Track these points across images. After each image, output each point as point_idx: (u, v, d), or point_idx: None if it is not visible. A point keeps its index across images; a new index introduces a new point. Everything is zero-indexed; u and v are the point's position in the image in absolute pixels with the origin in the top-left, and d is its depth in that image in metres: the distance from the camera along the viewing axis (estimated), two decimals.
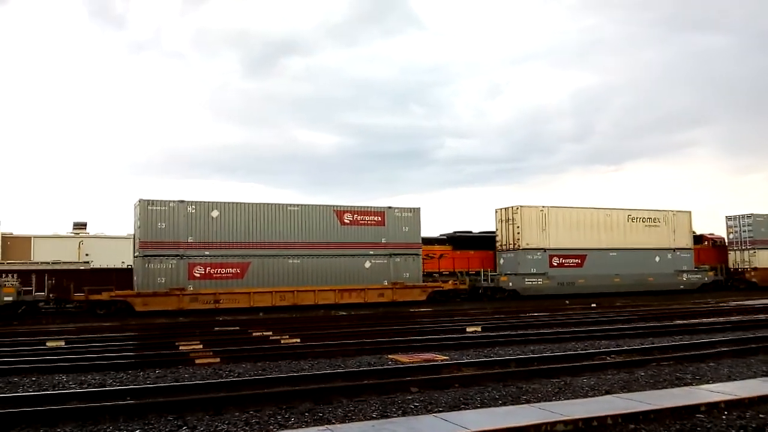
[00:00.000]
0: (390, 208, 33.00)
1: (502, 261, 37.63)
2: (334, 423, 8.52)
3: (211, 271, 29.18)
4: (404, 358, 13.90)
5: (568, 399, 9.85)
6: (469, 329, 19.67)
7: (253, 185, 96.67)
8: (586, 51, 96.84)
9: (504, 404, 9.62)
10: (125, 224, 75.23)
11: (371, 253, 32.27)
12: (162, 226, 28.33)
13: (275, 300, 29.72)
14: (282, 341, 17.33)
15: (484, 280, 35.59)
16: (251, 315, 27.52)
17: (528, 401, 9.73)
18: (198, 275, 28.90)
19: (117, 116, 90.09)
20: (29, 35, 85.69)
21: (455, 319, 23.82)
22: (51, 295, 27.43)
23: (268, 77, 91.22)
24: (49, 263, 36.99)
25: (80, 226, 50.05)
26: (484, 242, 39.73)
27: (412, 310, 28.97)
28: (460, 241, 40.24)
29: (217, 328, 21.78)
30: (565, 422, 7.95)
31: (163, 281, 28.22)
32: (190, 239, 28.81)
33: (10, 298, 24.98)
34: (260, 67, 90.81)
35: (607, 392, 10.28)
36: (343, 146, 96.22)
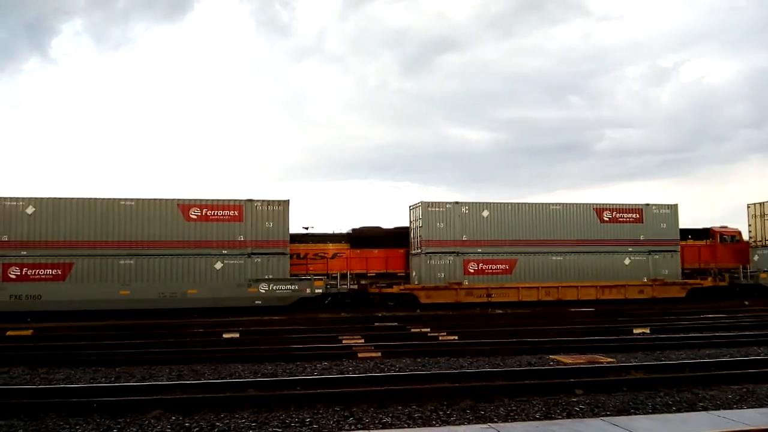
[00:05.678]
0: (647, 205, 33.09)
1: (756, 257, 35.85)
2: (496, 422, 8.46)
3: (484, 267, 30.99)
4: (566, 359, 13.53)
5: (751, 408, 9.12)
6: (635, 331, 18.74)
7: (408, 184, 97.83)
8: (764, 28, 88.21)
9: (678, 411, 9.08)
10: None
11: (630, 249, 32.40)
12: (441, 226, 30.74)
13: (541, 295, 30.69)
14: (440, 338, 17.49)
15: (743, 278, 34.27)
16: (409, 310, 28.02)
17: (705, 408, 9.13)
18: (472, 271, 30.84)
19: (283, 121, 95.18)
20: (204, 48, 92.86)
21: (620, 320, 22.78)
22: (352, 289, 30.62)
23: (423, 75, 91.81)
24: None
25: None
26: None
27: (572, 309, 28.08)
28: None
29: (376, 324, 22.39)
30: None
31: (442, 276, 30.47)
32: (464, 237, 30.90)
33: (320, 291, 28.91)
34: (416, 66, 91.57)
35: None
36: (495, 142, 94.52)
